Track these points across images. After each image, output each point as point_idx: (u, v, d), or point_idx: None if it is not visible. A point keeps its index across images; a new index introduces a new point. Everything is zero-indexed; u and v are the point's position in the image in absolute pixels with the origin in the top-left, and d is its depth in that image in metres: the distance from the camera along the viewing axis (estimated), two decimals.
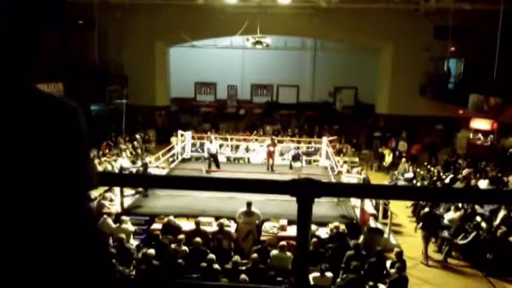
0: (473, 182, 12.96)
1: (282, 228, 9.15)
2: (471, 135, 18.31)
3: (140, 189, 10.68)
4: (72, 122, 1.02)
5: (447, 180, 13.62)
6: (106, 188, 10.20)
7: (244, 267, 7.40)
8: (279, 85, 25.76)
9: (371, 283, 7.35)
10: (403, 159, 16.03)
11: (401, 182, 14.55)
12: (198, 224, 8.66)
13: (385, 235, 9.80)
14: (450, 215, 10.56)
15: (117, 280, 1.22)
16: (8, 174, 0.94)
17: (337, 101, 25.34)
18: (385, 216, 11.00)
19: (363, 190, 2.19)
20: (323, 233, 8.92)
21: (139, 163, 13.84)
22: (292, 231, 8.89)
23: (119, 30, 19.38)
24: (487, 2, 14.99)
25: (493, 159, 15.54)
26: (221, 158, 16.22)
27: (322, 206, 9.95)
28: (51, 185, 0.98)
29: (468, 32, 17.25)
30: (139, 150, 17.05)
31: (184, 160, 15.19)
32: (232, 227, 9.11)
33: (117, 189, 10.23)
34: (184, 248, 7.81)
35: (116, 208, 9.98)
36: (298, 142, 17.32)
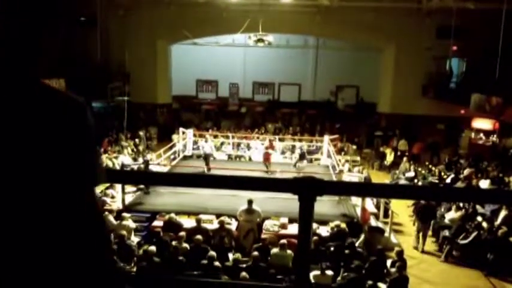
0: (474, 182, 12.95)
1: (283, 226, 9.16)
2: (473, 135, 18.29)
3: (141, 186, 10.70)
4: (79, 117, 1.02)
5: (448, 180, 13.61)
6: (107, 184, 10.22)
7: (244, 265, 7.41)
8: (281, 83, 25.75)
9: (371, 282, 7.35)
10: (405, 159, 16.01)
11: (402, 181, 14.53)
12: (199, 221, 8.67)
13: (386, 234, 9.79)
14: (451, 215, 10.56)
15: (119, 277, 1.22)
16: (16, 171, 0.93)
17: (338, 99, 25.33)
18: (386, 215, 11.01)
19: (365, 189, 2.20)
20: (324, 231, 8.93)
21: (140, 160, 13.86)
22: (293, 229, 8.90)
23: (121, 27, 19.39)
24: (490, 1, 14.95)
25: (495, 159, 15.53)
26: (222, 156, 16.25)
27: (323, 205, 9.95)
28: (59, 180, 0.97)
29: (470, 32, 17.21)
30: (140, 147, 17.06)
31: (185, 158, 15.21)
32: (233, 225, 9.13)
33: (118, 186, 10.25)
34: (185, 245, 7.83)
35: (117, 205, 10.00)
36: (300, 140, 17.32)
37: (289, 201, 9.88)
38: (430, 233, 10.48)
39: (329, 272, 7.38)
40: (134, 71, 19.70)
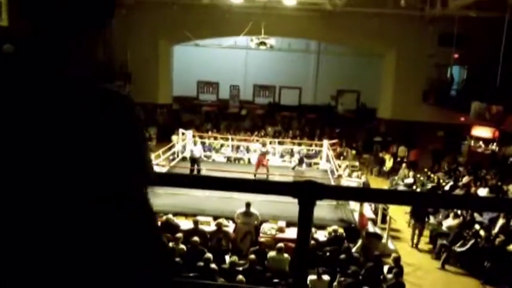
0: (473, 189, 12.95)
1: (280, 229, 9.15)
2: (472, 143, 18.30)
3: None
4: (129, 112, 1.05)
5: (447, 187, 13.61)
6: None
7: (241, 268, 7.40)
8: (282, 87, 25.78)
9: None
10: (404, 165, 16.01)
11: (401, 188, 14.53)
12: (196, 223, 8.66)
13: (383, 240, 9.79)
14: (449, 222, 10.55)
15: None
16: (72, 165, 0.93)
17: (339, 104, 25.35)
18: (383, 221, 11.00)
19: (364, 194, 2.19)
20: (321, 236, 8.91)
21: None
22: (290, 233, 8.88)
23: (124, 27, 19.38)
24: (492, 10, 14.98)
25: (494, 168, 15.53)
26: (221, 158, 16.24)
27: (321, 209, 9.94)
28: (112, 172, 0.98)
29: (472, 40, 17.24)
30: None
31: (184, 159, 15.19)
32: (230, 227, 9.11)
33: None
34: (182, 246, 7.81)
35: None
36: (299, 144, 17.32)
37: (288, 205, 9.87)
38: (426, 232, 10.77)
39: (325, 277, 7.36)
40: (136, 70, 19.71)
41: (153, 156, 14.23)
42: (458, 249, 9.45)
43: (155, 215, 1.16)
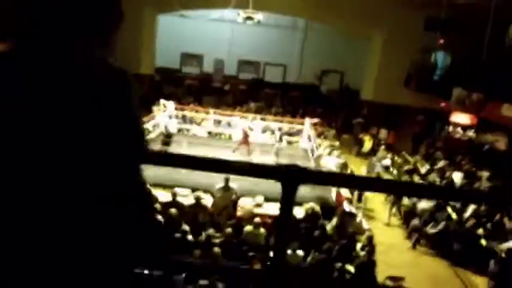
0: (448, 174, 13.24)
1: (258, 205, 9.22)
2: (451, 129, 18.58)
3: None
4: (128, 85, 1.16)
5: (423, 171, 13.87)
6: None
7: (217, 241, 7.45)
8: (266, 63, 25.56)
9: (340, 264, 7.50)
10: (382, 147, 16.22)
11: (378, 169, 14.76)
12: (174, 195, 8.64)
13: (358, 219, 9.97)
14: (423, 205, 10.79)
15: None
16: (75, 131, 1.03)
17: (323, 84, 25.34)
18: (359, 200, 11.19)
19: (347, 180, 2.20)
20: (298, 212, 9.01)
21: None
22: (268, 208, 8.97)
23: None
24: None
25: (470, 154, 15.86)
26: (202, 132, 16.14)
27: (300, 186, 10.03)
28: (112, 140, 1.08)
29: (458, 26, 17.30)
30: None
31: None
32: (208, 201, 9.13)
33: None
34: (159, 217, 7.80)
35: None
36: (281, 122, 17.33)
37: (266, 181, 9.92)
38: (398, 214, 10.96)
39: (300, 252, 7.49)
40: (118, 38, 19.17)
41: None
42: (430, 231, 9.71)
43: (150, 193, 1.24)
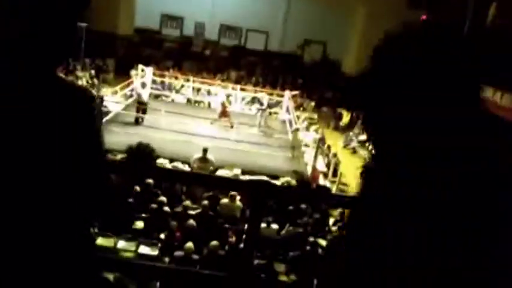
0: None
1: (235, 177, 9.30)
2: None
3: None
4: (91, 110, 1.22)
5: None
6: None
7: (193, 212, 7.54)
8: (249, 29, 25.11)
9: (312, 238, 7.73)
10: (360, 121, 16.42)
11: (354, 144, 15.03)
12: None
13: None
14: None
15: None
16: (31, 159, 1.10)
17: (305, 53, 25.16)
18: (334, 175, 11.42)
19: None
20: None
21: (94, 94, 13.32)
22: None
23: None
24: None
25: None
26: (181, 99, 15.97)
27: (275, 160, 10.16)
28: (73, 155, 1.15)
29: (441, 4, 17.31)
30: (95, 80, 16.37)
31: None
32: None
33: None
34: (136, 187, 7.81)
35: None
36: (261, 92, 17.26)
37: (244, 153, 9.99)
38: None
39: (274, 226, 7.67)
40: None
41: (109, 91, 13.74)
42: None
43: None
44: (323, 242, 7.84)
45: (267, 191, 1.46)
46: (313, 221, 8.05)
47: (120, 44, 21.07)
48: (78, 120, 1.17)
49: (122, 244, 6.15)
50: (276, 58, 24.11)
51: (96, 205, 1.28)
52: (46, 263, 1.15)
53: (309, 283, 6.50)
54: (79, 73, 15.62)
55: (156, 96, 15.21)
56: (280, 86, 19.58)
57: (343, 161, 12.85)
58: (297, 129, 11.88)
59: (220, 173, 9.40)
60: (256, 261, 6.37)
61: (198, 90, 16.64)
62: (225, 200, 8.02)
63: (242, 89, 17.09)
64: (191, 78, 16.91)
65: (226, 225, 7.62)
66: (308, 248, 7.31)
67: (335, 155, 12.19)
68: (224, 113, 12.98)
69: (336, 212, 8.70)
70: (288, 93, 15.58)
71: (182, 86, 16.79)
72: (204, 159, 8.97)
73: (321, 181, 10.42)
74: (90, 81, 15.78)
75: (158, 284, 5.08)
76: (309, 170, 10.26)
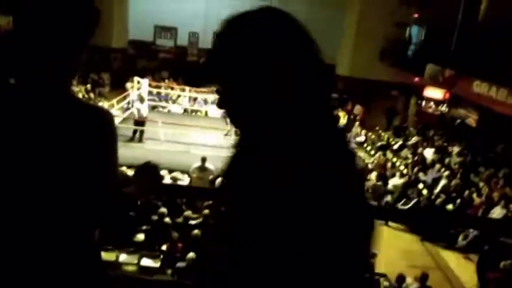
0: (420, 150, 13.57)
1: None
2: (423, 103, 18.90)
3: None
4: (107, 128, 1.20)
5: (396, 147, 14.17)
6: None
7: (194, 222, 7.51)
8: None
9: None
10: (357, 123, 16.43)
11: (352, 145, 14.99)
12: None
13: None
14: (395, 181, 11.09)
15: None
16: (46, 177, 1.10)
17: None
18: None
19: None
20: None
21: None
22: None
23: None
24: None
25: (441, 129, 16.24)
26: (178, 109, 15.97)
27: None
28: (88, 172, 1.14)
29: (433, 0, 17.36)
30: (91, 94, 16.39)
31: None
32: (185, 181, 9.13)
33: None
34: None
35: None
36: None
37: None
38: None
39: None
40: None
41: (106, 104, 13.72)
42: (402, 207, 10.02)
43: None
44: None
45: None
46: None
47: (115, 57, 21.10)
48: (97, 140, 1.16)
49: (123, 257, 6.11)
50: None
51: (103, 217, 1.27)
52: (47, 267, 1.15)
53: None
54: (75, 87, 15.61)
55: (153, 107, 15.21)
56: None
57: None
58: None
59: (221, 181, 9.35)
60: None
61: (195, 99, 16.63)
62: None
63: None
64: (187, 88, 16.92)
65: None
66: None
67: None
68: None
69: None
70: None
71: (179, 96, 16.80)
72: (203, 168, 8.95)
73: None
74: (86, 95, 15.78)
75: None
76: None
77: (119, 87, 17.04)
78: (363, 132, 15.49)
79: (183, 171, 9.35)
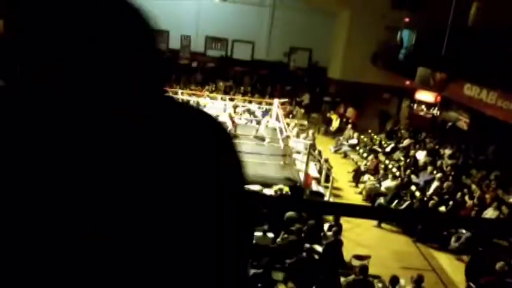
0: (412, 152, 13.62)
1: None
2: (415, 106, 19.00)
3: None
4: (230, 146, 0.75)
5: (388, 149, 14.21)
6: None
7: None
8: (235, 40, 25.19)
9: (308, 245, 7.66)
10: (349, 126, 16.46)
11: (345, 148, 15.03)
12: None
13: (326, 198, 10.17)
14: (387, 183, 11.10)
15: None
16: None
17: (291, 61, 25.25)
18: (327, 180, 11.39)
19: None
20: (267, 194, 9.08)
21: None
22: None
23: None
24: None
25: (433, 132, 16.33)
26: None
27: (268, 168, 10.10)
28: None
29: (424, 3, 17.49)
30: None
31: None
32: None
33: None
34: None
35: None
36: (250, 102, 17.25)
37: (259, 166, 9.89)
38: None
39: (270, 234, 7.60)
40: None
41: None
42: (395, 209, 10.02)
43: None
44: (319, 249, 7.78)
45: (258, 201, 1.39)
46: (308, 227, 7.98)
47: None
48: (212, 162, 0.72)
49: None
50: (263, 67, 24.18)
51: None
52: None
53: None
54: None
55: None
56: (268, 94, 19.60)
57: (335, 165, 12.85)
58: (288, 137, 11.85)
59: None
60: (252, 271, 6.28)
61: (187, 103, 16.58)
62: None
63: (231, 99, 17.08)
64: (179, 90, 16.86)
65: None
66: (304, 254, 7.24)
67: (326, 161, 12.19)
68: (234, 124, 13.11)
69: (330, 217, 8.65)
70: (276, 101, 15.58)
71: None
72: None
73: (314, 187, 10.37)
74: None
75: None
76: (302, 176, 10.21)
77: None
78: (356, 135, 15.51)
79: None
